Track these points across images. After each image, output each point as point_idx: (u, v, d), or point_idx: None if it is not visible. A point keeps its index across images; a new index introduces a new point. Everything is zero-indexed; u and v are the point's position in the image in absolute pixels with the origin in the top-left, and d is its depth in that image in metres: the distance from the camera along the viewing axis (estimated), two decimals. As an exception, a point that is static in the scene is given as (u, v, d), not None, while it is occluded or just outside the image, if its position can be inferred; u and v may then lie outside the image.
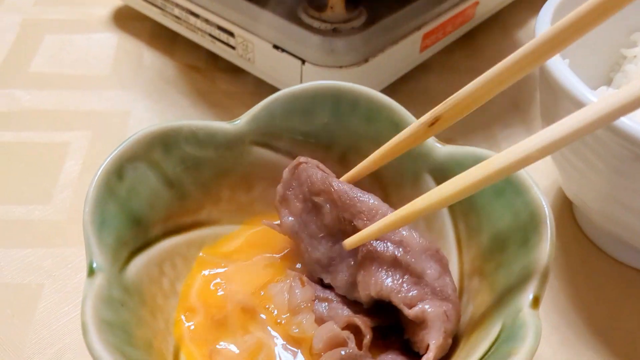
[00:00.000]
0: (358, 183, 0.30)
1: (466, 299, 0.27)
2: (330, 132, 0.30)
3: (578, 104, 0.27)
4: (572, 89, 0.27)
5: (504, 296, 0.24)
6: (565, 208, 0.36)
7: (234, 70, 0.44)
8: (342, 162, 0.31)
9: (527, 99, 0.44)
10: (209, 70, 0.45)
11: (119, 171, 0.25)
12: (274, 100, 0.29)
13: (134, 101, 0.42)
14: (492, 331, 0.23)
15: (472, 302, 0.26)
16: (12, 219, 0.33)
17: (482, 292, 0.26)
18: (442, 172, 0.28)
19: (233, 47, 0.41)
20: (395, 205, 0.30)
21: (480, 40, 0.49)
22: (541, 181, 0.38)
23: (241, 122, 0.29)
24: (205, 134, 0.28)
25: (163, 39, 0.47)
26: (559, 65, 0.28)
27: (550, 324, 0.31)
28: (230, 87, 0.43)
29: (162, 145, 0.27)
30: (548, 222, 0.24)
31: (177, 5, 0.43)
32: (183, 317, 0.26)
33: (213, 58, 0.45)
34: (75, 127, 0.39)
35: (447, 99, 0.25)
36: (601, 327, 0.31)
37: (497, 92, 0.24)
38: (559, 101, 0.29)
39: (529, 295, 0.23)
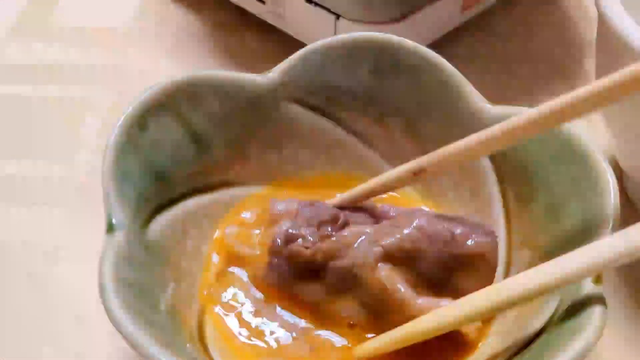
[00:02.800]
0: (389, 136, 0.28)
1: (515, 272, 0.25)
2: (369, 89, 0.28)
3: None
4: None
5: (560, 271, 0.22)
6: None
7: (264, 28, 0.41)
8: (381, 123, 0.28)
9: (574, 66, 0.41)
10: (238, 28, 0.42)
11: (141, 121, 0.23)
12: (310, 52, 0.27)
13: (158, 57, 0.40)
14: (547, 308, 0.21)
15: (522, 276, 0.24)
16: (30, 175, 0.32)
17: (534, 265, 0.24)
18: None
19: (263, 2, 0.39)
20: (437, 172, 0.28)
21: (525, 6, 0.46)
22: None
23: (274, 74, 0.27)
24: (235, 86, 0.26)
25: (189, -7, 0.44)
26: (624, 19, 0.25)
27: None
28: (260, 45, 0.41)
29: (188, 95, 0.25)
30: (611, 187, 0.22)
31: (205, -43, 0.40)
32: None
33: (242, 15, 0.43)
34: (96, 82, 0.37)
35: (435, 151, 0.23)
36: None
37: (494, 151, 0.22)
38: (620, 61, 0.26)
39: (591, 269, 0.20)
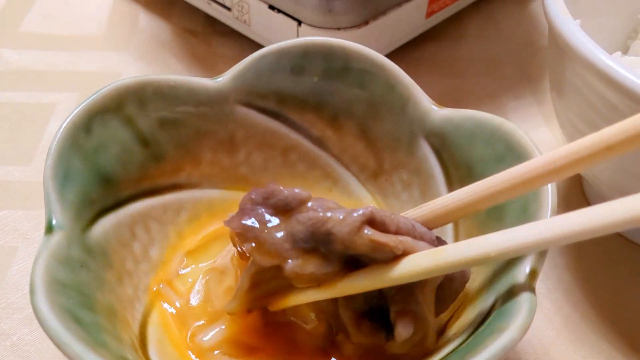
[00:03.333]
0: (342, 138, 0.28)
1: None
2: (321, 92, 0.28)
3: (589, 67, 0.24)
4: (582, 49, 0.25)
5: (500, 270, 0.22)
6: (575, 183, 0.34)
7: (231, 35, 0.42)
8: (333, 125, 0.29)
9: (539, 71, 0.42)
10: (206, 34, 0.43)
11: (87, 124, 0.23)
12: (261, 57, 0.27)
13: (126, 63, 0.40)
14: (486, 305, 0.21)
15: (466, 275, 0.24)
16: (-8, 179, 0.32)
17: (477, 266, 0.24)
18: (440, 138, 0.26)
19: (229, 9, 0.39)
20: (388, 172, 0.28)
21: (492, 9, 0.47)
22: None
23: (224, 78, 0.27)
24: (185, 90, 0.26)
25: (159, 1, 0.45)
26: (569, 24, 0.26)
27: (554, 303, 0.29)
28: (226, 50, 0.41)
29: (136, 99, 0.25)
30: (549, 188, 0.22)
31: (173, -35, 0.41)
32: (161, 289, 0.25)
33: (210, 22, 0.43)
34: (64, 89, 0.38)
35: (421, 205, 0.23)
36: (608, 308, 0.29)
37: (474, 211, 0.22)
38: (567, 64, 0.27)
39: (525, 268, 0.21)
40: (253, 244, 0.21)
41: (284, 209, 0.22)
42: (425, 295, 0.21)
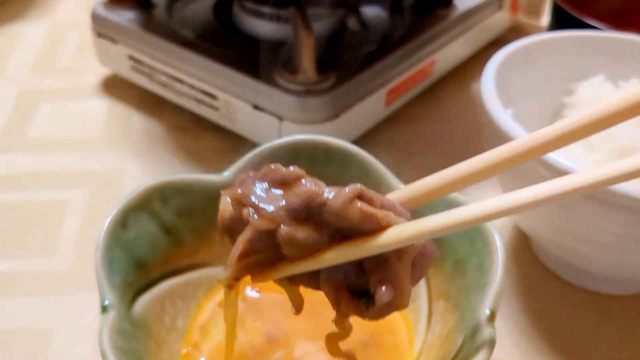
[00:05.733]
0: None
1: (435, 320, 0.30)
2: (308, 179, 0.34)
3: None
4: (513, 135, 0.31)
5: (465, 314, 0.28)
6: (522, 240, 0.40)
7: (218, 129, 0.48)
8: (319, 206, 0.34)
9: (484, 144, 0.49)
10: (195, 129, 0.49)
11: (123, 221, 0.29)
12: (257, 154, 0.33)
13: (127, 160, 0.45)
14: (456, 345, 0.27)
15: (439, 322, 0.30)
16: (19, 270, 0.36)
17: (447, 312, 0.29)
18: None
19: (216, 109, 0.45)
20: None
21: (440, 94, 0.54)
22: (499, 217, 0.42)
23: (228, 174, 0.33)
24: (198, 186, 0.32)
25: (151, 103, 0.51)
26: (501, 115, 0.33)
27: (512, 341, 0.34)
28: (215, 144, 0.47)
29: (160, 196, 0.30)
30: (498, 247, 0.28)
31: (164, 73, 0.47)
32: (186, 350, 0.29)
33: (198, 119, 0.49)
34: (74, 186, 0.43)
35: (403, 187, 0.27)
36: (558, 342, 0.34)
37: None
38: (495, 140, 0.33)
39: (485, 310, 0.26)
40: (251, 209, 0.23)
41: (281, 183, 0.24)
42: (404, 264, 0.23)
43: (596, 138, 0.35)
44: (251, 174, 0.25)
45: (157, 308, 0.29)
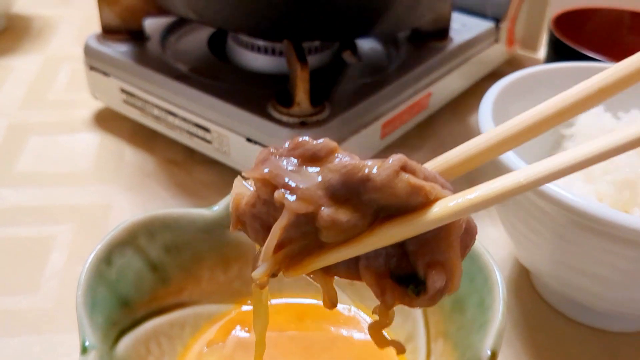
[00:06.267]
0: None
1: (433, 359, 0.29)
2: (301, 213, 0.33)
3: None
4: (512, 168, 0.30)
5: (466, 354, 0.26)
6: (523, 275, 0.39)
7: (210, 163, 0.47)
8: (313, 241, 0.33)
9: (482, 177, 0.48)
10: (187, 163, 0.48)
11: (108, 257, 0.27)
12: (249, 187, 0.32)
13: (116, 194, 0.44)
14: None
15: (439, 363, 0.28)
16: (1, 308, 0.35)
17: (447, 352, 0.28)
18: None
19: (209, 142, 0.44)
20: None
21: (437, 126, 0.53)
22: (498, 251, 0.41)
23: (219, 207, 0.32)
24: (186, 221, 0.31)
25: (143, 136, 0.50)
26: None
27: (515, 384, 0.33)
28: (207, 177, 0.46)
29: (146, 232, 0.29)
30: (499, 283, 0.27)
31: (156, 106, 0.46)
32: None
33: (190, 152, 0.48)
34: (60, 221, 0.42)
35: (436, 157, 0.24)
36: (562, 384, 0.33)
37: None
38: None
39: (487, 351, 0.25)
40: (284, 190, 0.20)
41: (312, 159, 0.21)
42: (452, 243, 0.21)
43: (597, 169, 0.34)
44: (273, 149, 0.21)
45: (141, 349, 0.28)
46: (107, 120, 0.52)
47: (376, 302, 0.32)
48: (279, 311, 0.33)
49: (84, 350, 0.24)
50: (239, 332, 0.31)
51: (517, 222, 0.33)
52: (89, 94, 0.54)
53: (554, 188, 0.29)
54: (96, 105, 0.54)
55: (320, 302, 0.33)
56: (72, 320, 0.34)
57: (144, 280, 0.29)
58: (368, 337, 0.30)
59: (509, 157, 0.31)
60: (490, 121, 0.34)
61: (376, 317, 0.23)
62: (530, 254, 0.34)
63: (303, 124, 0.40)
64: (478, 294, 0.27)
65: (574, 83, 0.40)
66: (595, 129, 0.38)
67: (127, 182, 0.46)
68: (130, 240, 0.28)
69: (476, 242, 0.29)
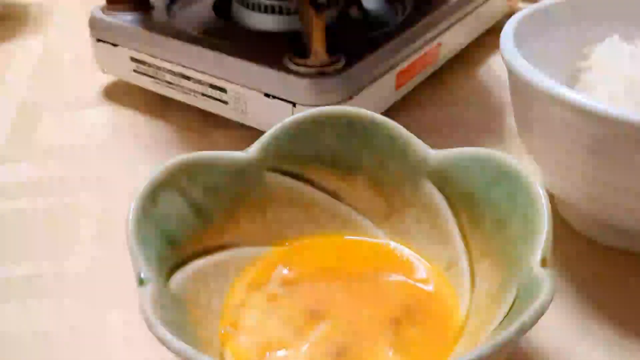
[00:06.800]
0: (355, 189, 0.33)
1: (479, 280, 0.29)
2: (333, 152, 0.33)
3: (554, 101, 0.30)
4: (545, 87, 0.31)
5: (514, 267, 0.27)
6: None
7: (227, 126, 0.47)
8: (346, 179, 0.33)
9: (495, 125, 0.48)
10: (204, 129, 0.48)
11: (152, 196, 0.27)
12: (280, 129, 0.32)
13: (136, 162, 0.44)
14: (509, 297, 0.26)
15: (485, 281, 0.29)
16: (38, 273, 0.35)
17: (493, 270, 0.28)
18: (440, 175, 0.32)
19: (226, 102, 0.44)
20: (399, 211, 0.33)
21: (446, 80, 0.54)
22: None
23: (253, 150, 0.32)
24: (223, 163, 0.31)
25: (156, 105, 0.50)
26: (528, 69, 0.32)
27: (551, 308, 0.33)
28: (225, 140, 0.46)
29: (187, 173, 0.29)
30: (542, 195, 0.27)
31: (169, 72, 0.46)
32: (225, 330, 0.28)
33: (206, 117, 0.48)
34: (86, 190, 0.41)
35: None
36: (600, 306, 0.33)
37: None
38: (534, 105, 0.33)
39: (537, 257, 0.25)
40: None
41: None
42: None
43: (620, 91, 0.35)
44: None
45: (191, 287, 0.28)
46: (117, 94, 0.52)
47: (416, 237, 0.33)
48: (318, 250, 0.33)
49: (141, 282, 0.24)
50: (282, 271, 0.31)
51: (544, 144, 0.33)
52: (96, 72, 0.54)
53: (587, 100, 0.29)
54: (105, 80, 0.53)
55: (360, 238, 0.33)
56: (110, 279, 0.35)
57: (187, 221, 0.29)
58: (408, 266, 0.31)
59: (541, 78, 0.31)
60: (513, 47, 0.34)
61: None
62: (561, 178, 0.34)
63: (321, 74, 0.40)
64: (520, 210, 0.28)
65: (589, 14, 0.40)
66: (613, 59, 0.39)
67: (146, 151, 0.46)
68: (172, 180, 0.29)
69: (512, 162, 0.29)
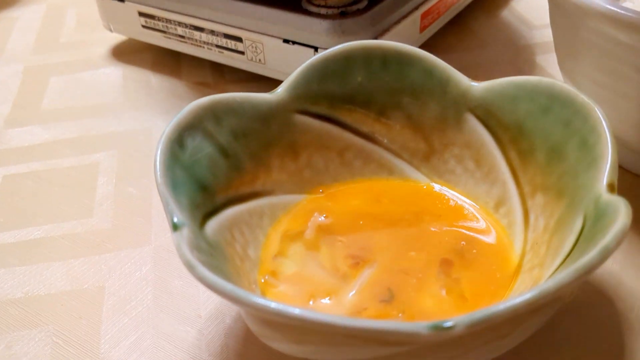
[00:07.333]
0: (391, 130, 0.31)
1: (534, 216, 0.27)
2: (366, 90, 0.31)
3: (603, 18, 0.28)
4: (595, 4, 0.28)
5: (576, 197, 0.25)
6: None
7: (242, 80, 0.45)
8: (380, 119, 0.31)
9: (524, 65, 0.46)
10: (218, 84, 0.45)
11: (179, 139, 0.25)
12: (309, 66, 0.30)
13: (153, 118, 0.42)
14: (575, 226, 0.24)
15: (542, 216, 0.27)
16: (59, 234, 0.33)
17: (550, 203, 0.26)
18: (484, 108, 0.29)
19: (242, 53, 0.42)
20: (440, 151, 0.31)
21: (470, 23, 0.51)
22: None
23: (281, 90, 0.30)
24: (250, 105, 0.29)
25: (167, 62, 0.48)
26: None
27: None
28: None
29: (212, 115, 0.27)
30: (602, 118, 0.25)
31: (180, 24, 0.44)
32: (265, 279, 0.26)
33: (220, 72, 0.46)
34: (102, 149, 0.39)
35: None
36: (659, 238, 0.31)
37: None
38: (580, 25, 0.30)
39: (602, 183, 0.23)
40: None
41: None
42: None
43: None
44: None
45: (227, 234, 0.26)
46: (125, 53, 0.50)
47: (460, 177, 0.31)
48: (354, 195, 0.31)
49: (175, 227, 0.22)
50: (318, 218, 0.29)
51: (598, 73, 0.31)
52: (101, 33, 0.51)
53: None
54: (112, 40, 0.51)
55: (396, 181, 0.31)
56: (132, 237, 0.33)
57: (217, 166, 0.27)
58: (454, 208, 0.29)
59: (586, -3, 0.29)
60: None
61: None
62: (615, 110, 0.32)
63: (343, 15, 0.38)
64: (578, 136, 0.26)
65: None
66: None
67: (161, 107, 0.43)
68: (197, 123, 0.26)
69: (566, 86, 0.27)
